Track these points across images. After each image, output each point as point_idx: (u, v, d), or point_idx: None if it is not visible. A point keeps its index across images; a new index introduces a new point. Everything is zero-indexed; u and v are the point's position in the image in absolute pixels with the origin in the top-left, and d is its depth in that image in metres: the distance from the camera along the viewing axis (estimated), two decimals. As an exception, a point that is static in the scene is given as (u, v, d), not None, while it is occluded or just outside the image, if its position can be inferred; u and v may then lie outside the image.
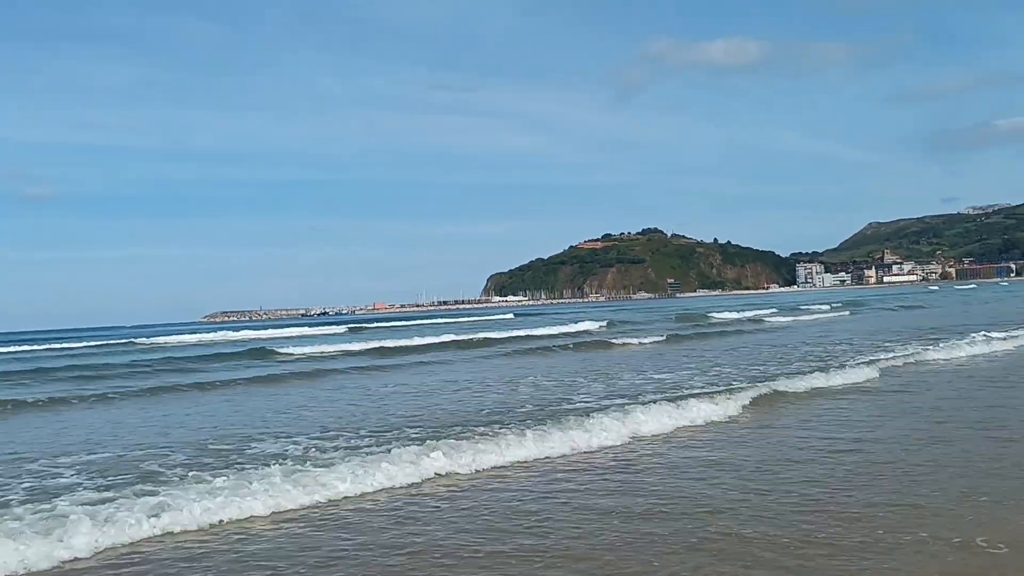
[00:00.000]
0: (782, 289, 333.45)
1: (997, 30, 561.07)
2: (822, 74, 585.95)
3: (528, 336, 42.18)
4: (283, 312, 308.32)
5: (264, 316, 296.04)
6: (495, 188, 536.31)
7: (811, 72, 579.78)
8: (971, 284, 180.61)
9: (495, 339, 39.77)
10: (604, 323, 50.96)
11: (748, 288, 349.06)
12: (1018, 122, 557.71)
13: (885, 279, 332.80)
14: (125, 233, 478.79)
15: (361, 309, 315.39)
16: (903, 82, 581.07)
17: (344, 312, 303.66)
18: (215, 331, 70.30)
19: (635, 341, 33.50)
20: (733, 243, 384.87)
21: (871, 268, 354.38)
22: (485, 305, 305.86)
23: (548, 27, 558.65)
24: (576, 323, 50.54)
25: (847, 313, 57.53)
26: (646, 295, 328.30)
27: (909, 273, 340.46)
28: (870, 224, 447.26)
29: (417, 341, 37.34)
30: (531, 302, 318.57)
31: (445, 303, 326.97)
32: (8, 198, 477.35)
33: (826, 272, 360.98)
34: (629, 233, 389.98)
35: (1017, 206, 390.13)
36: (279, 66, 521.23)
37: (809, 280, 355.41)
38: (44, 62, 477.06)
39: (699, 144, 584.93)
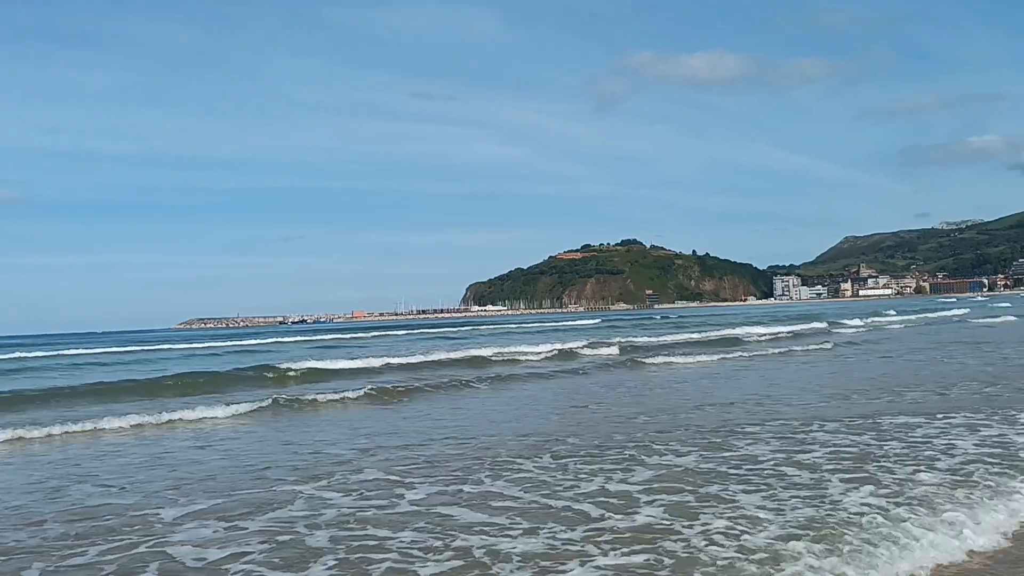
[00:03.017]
0: (760, 302, 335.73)
1: (969, 50, 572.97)
2: (799, 90, 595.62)
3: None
4: (260, 320, 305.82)
5: (242, 324, 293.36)
6: (475, 197, 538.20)
7: (788, 88, 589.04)
8: (952, 298, 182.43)
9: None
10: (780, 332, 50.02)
11: (726, 300, 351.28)
12: (990, 140, 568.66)
13: (860, 293, 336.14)
14: (96, 239, 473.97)
15: (339, 317, 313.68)
16: (878, 99, 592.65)
17: (323, 320, 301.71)
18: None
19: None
20: (711, 255, 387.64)
21: (847, 282, 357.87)
22: (465, 315, 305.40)
23: (529, 38, 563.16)
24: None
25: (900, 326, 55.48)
26: (625, 306, 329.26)
27: (884, 287, 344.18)
28: (846, 238, 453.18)
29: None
30: (511, 312, 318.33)
31: (424, 312, 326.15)
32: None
33: (803, 285, 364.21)
34: (608, 244, 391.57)
35: (989, 222, 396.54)
36: (258, 72, 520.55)
37: (786, 293, 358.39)
38: (13, 64, 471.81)
39: (678, 157, 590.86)
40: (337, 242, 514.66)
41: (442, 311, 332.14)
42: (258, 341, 73.27)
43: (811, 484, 9.21)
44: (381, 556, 7.31)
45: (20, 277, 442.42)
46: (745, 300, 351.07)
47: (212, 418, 17.32)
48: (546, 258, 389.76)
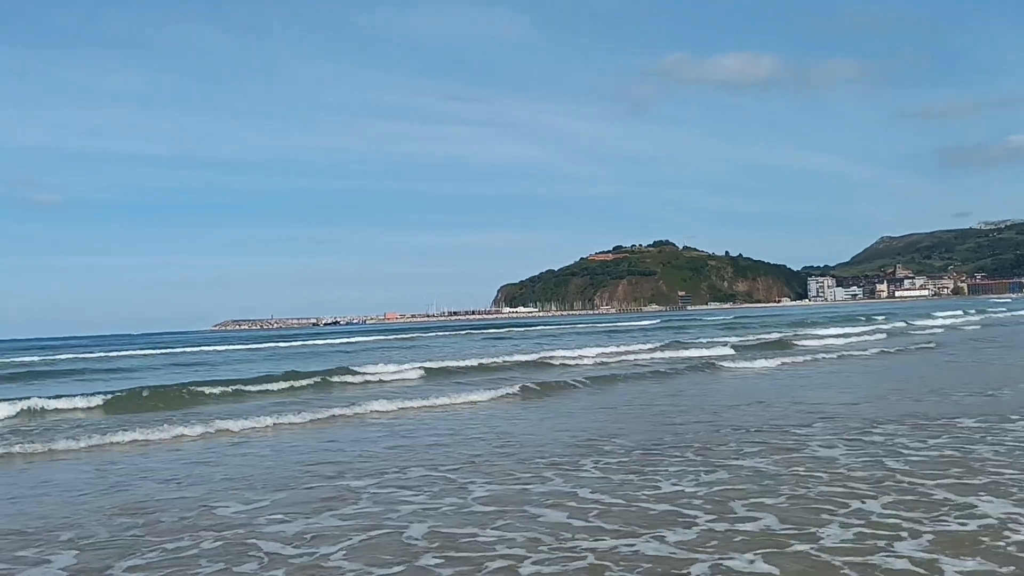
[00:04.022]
0: (794, 303, 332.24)
1: (1005, 51, 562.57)
2: (833, 91, 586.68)
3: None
4: (294, 321, 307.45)
5: (276, 325, 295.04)
6: (506, 199, 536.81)
7: (821, 89, 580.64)
8: (1007, 298, 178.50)
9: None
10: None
11: (759, 301, 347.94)
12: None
13: (897, 294, 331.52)
14: (131, 240, 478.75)
15: (372, 319, 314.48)
16: (913, 100, 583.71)
17: (355, 321, 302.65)
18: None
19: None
20: (745, 256, 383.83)
21: (883, 282, 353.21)
22: (496, 316, 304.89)
23: (560, 41, 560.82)
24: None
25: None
26: (657, 307, 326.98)
27: (921, 288, 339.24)
28: (882, 239, 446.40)
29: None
30: (542, 313, 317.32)
31: (456, 314, 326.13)
32: (17, 204, 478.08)
33: (838, 286, 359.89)
34: (640, 245, 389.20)
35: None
36: (291, 76, 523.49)
37: (820, 294, 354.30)
38: (53, 68, 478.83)
39: (710, 158, 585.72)
40: (368, 243, 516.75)
41: (473, 312, 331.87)
42: (322, 341, 73.00)
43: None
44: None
45: (58, 279, 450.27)
46: (779, 301, 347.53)
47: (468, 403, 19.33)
48: (577, 259, 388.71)
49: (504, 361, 31.40)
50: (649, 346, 39.40)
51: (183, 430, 15.66)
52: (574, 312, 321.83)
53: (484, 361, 30.79)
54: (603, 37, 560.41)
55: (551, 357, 32.48)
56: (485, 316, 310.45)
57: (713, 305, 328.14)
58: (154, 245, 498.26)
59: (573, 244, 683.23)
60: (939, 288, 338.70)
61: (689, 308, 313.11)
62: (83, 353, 64.56)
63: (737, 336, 46.75)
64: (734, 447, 11.97)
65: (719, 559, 6.92)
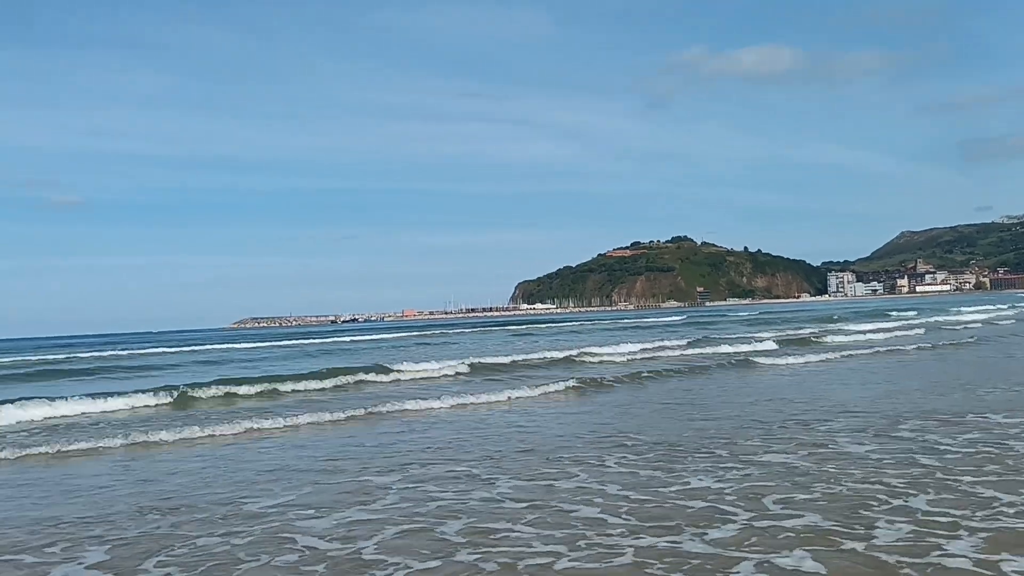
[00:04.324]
0: (813, 298, 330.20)
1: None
2: (854, 83, 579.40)
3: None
4: (312, 319, 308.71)
5: (294, 322, 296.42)
6: (524, 196, 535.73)
7: (843, 81, 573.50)
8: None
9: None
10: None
11: (778, 297, 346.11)
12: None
13: (918, 289, 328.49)
14: (150, 240, 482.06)
15: (390, 316, 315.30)
16: (936, 91, 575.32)
17: (373, 319, 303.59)
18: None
19: None
20: (764, 251, 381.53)
21: (903, 277, 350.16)
22: (514, 313, 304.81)
23: (579, 36, 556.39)
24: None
25: None
26: (675, 303, 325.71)
27: (942, 283, 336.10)
28: (902, 233, 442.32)
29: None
30: (560, 310, 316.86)
31: (473, 310, 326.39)
32: (36, 205, 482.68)
33: (858, 281, 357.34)
34: (658, 241, 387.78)
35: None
36: (309, 76, 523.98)
37: (840, 289, 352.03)
38: (71, 71, 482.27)
39: (730, 153, 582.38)
40: (386, 242, 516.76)
41: (491, 309, 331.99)
42: (348, 338, 73.10)
43: None
44: None
45: (77, 278, 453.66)
46: (798, 297, 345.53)
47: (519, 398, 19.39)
48: (595, 256, 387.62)
49: (540, 358, 31.21)
50: (682, 342, 39.07)
51: (226, 428, 15.66)
52: (592, 309, 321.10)
53: (520, 358, 30.58)
54: (622, 32, 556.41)
55: (586, 353, 32.22)
56: (503, 313, 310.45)
57: (732, 301, 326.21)
58: (172, 245, 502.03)
59: (591, 240, 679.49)
60: (961, 283, 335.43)
61: (708, 304, 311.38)
62: (105, 351, 64.80)
63: (772, 331, 46.34)
64: (805, 442, 11.73)
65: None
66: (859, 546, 6.96)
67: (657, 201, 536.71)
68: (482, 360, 29.59)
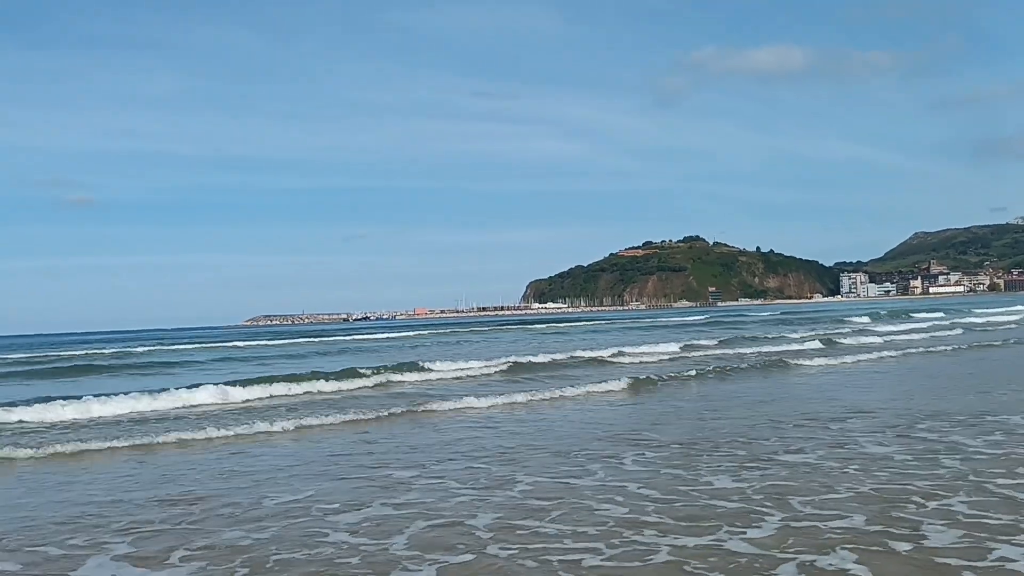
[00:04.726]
0: (826, 299, 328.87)
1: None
2: (867, 81, 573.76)
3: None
4: (324, 317, 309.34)
5: (307, 320, 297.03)
6: (535, 195, 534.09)
7: (856, 79, 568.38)
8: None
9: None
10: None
11: (791, 297, 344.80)
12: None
13: (931, 290, 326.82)
14: (163, 239, 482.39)
15: (401, 315, 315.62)
16: (949, 89, 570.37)
17: (385, 317, 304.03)
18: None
19: None
20: (776, 252, 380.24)
21: (917, 278, 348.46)
22: (526, 312, 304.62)
23: (590, 34, 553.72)
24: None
25: None
26: (687, 303, 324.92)
27: (956, 284, 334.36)
28: (916, 234, 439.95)
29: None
30: (571, 309, 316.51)
31: (485, 309, 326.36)
32: (50, 204, 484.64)
33: (871, 282, 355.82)
34: (670, 241, 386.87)
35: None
36: (321, 75, 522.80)
37: (853, 290, 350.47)
38: (86, 71, 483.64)
39: (742, 151, 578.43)
40: (398, 240, 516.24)
41: (503, 308, 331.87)
42: (369, 337, 72.98)
43: None
44: None
45: (92, 277, 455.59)
46: (811, 297, 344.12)
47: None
48: (607, 255, 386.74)
49: (576, 357, 30.91)
50: (713, 341, 38.87)
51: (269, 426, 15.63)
52: (604, 308, 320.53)
53: (561, 357, 30.40)
54: (633, 30, 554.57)
55: (623, 353, 32.04)
56: (515, 312, 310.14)
57: (744, 301, 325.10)
58: (184, 243, 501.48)
59: (602, 240, 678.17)
60: (975, 284, 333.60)
61: (720, 304, 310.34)
62: (128, 347, 64.74)
63: (805, 330, 46.02)
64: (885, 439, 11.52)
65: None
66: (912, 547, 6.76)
67: (669, 199, 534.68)
68: (520, 359, 29.40)
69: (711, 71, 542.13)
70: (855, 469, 10.03)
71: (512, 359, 29.31)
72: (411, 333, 77.13)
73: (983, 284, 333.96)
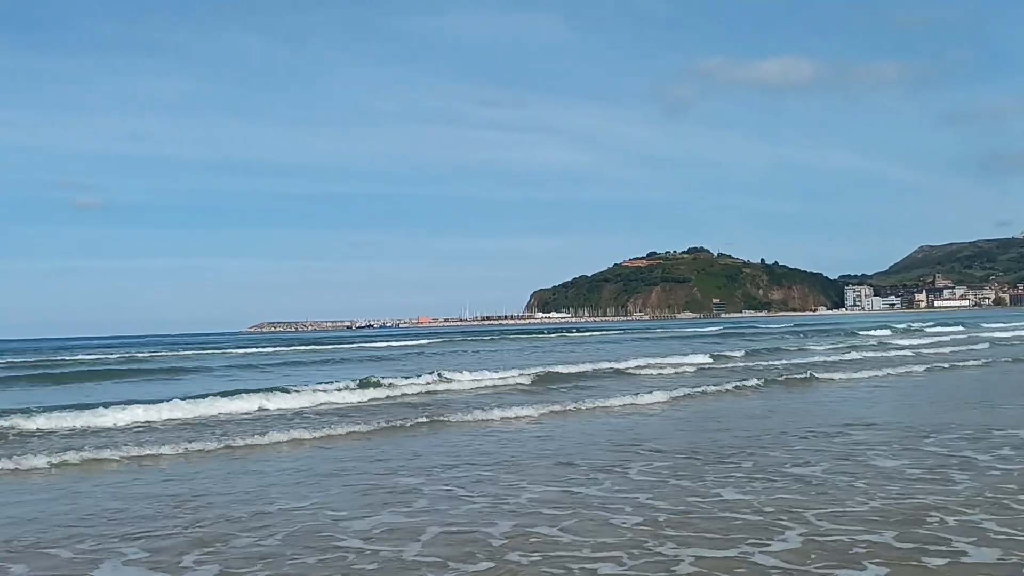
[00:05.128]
0: (830, 312, 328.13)
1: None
2: (874, 94, 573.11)
3: None
4: (328, 324, 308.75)
5: (311, 327, 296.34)
6: (540, 204, 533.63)
7: (863, 92, 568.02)
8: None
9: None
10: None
11: (795, 309, 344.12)
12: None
13: (936, 304, 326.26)
14: (169, 243, 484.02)
15: (405, 322, 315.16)
16: (957, 102, 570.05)
17: (388, 325, 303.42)
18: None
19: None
20: (780, 264, 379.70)
21: (921, 292, 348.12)
22: (529, 321, 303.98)
23: (598, 43, 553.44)
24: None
25: None
26: (691, 315, 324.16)
27: (961, 298, 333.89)
28: (921, 247, 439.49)
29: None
30: (575, 319, 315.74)
31: (488, 318, 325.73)
32: (59, 207, 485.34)
33: (875, 295, 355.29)
34: (674, 252, 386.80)
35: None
36: (330, 81, 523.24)
37: (858, 303, 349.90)
38: (94, 73, 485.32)
39: (748, 163, 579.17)
40: (402, 248, 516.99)
41: (506, 317, 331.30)
42: (382, 344, 72.07)
43: None
44: None
45: (97, 280, 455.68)
46: (815, 310, 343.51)
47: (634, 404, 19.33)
48: (611, 265, 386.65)
49: (595, 369, 30.13)
50: (739, 353, 38.13)
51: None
52: (607, 319, 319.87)
53: (589, 368, 29.65)
54: (641, 39, 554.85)
55: (645, 365, 31.29)
56: (519, 321, 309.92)
57: (748, 313, 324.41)
58: (190, 247, 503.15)
59: (607, 250, 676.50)
60: (980, 299, 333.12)
61: (723, 316, 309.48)
62: (134, 352, 64.18)
63: (828, 343, 45.29)
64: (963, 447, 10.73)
65: None
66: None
67: (674, 210, 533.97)
68: (547, 370, 28.68)
69: (718, 81, 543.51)
70: (964, 476, 9.26)
71: (542, 369, 28.60)
72: (423, 342, 76.46)
73: (988, 298, 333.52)
